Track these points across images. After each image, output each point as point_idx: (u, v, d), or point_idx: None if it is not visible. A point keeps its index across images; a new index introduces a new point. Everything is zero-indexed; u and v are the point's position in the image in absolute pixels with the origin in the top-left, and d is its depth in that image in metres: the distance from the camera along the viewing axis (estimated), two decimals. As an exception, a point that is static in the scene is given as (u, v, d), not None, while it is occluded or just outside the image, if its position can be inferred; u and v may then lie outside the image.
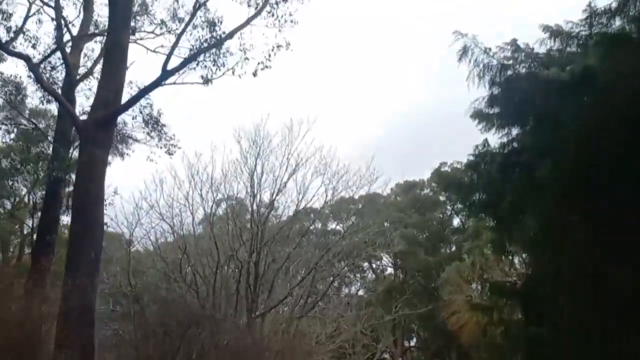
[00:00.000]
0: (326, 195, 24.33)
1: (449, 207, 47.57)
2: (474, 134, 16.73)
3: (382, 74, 79.74)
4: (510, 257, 16.76)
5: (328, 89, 70.65)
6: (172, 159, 22.11)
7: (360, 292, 52.64)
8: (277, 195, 22.88)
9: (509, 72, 12.78)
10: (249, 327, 20.96)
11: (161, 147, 15.22)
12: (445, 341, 44.33)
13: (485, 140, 15.69)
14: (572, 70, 11.85)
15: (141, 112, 12.99)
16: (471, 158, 15.92)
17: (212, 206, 22.87)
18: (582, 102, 10.72)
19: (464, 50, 12.44)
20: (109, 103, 9.40)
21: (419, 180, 46.21)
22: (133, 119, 13.15)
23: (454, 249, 45.07)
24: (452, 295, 31.04)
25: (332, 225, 41.96)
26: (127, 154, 32.34)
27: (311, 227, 35.46)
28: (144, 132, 14.20)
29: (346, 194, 25.69)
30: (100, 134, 9.10)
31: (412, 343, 67.65)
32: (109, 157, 36.77)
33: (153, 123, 13.38)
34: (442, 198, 45.97)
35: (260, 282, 23.41)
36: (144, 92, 10.22)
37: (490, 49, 12.71)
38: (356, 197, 29.15)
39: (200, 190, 22.75)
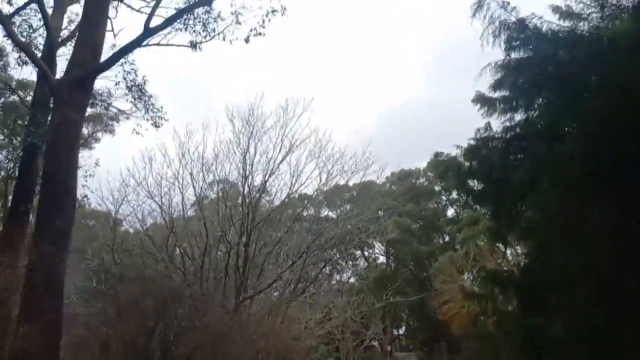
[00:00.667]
0: (320, 179, 23.72)
1: (444, 197, 47.14)
2: (473, 123, 16.11)
3: (381, 64, 79.00)
4: (504, 248, 16.18)
5: (326, 77, 69.72)
6: (163, 137, 21.53)
7: (352, 280, 52.37)
8: (269, 177, 22.20)
9: (529, 32, 11.44)
10: (237, 309, 20.44)
11: (148, 120, 14.48)
12: (435, 331, 44.13)
13: (488, 123, 15.10)
14: (614, 30, 10.79)
15: (124, 78, 12.22)
16: (472, 142, 15.33)
17: (202, 186, 22.15)
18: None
19: (479, 4, 11.37)
20: (86, 62, 8.67)
21: (415, 169, 45.70)
22: (116, 85, 12.37)
23: (447, 239, 44.69)
24: (444, 285, 30.63)
25: (325, 212, 41.38)
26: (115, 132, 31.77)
27: (304, 214, 34.97)
28: (129, 101, 13.45)
29: (341, 179, 25.07)
30: (75, 95, 8.38)
31: (401, 331, 67.77)
32: (99, 134, 35.82)
33: (137, 90, 12.61)
34: (437, 188, 45.51)
35: (249, 265, 22.86)
36: (125, 50, 9.47)
37: (508, 3, 11.44)
38: (351, 183, 28.57)
39: (191, 170, 22.06)
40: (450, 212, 46.96)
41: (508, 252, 27.94)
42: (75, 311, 16.34)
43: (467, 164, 15.19)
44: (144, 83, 12.54)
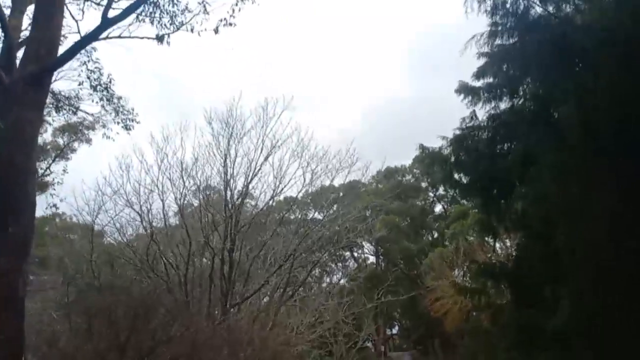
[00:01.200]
0: (304, 179, 23.11)
1: (430, 194, 46.83)
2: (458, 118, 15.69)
3: (362, 62, 78.74)
4: (494, 240, 15.76)
5: (307, 76, 69.15)
6: (139, 142, 20.72)
7: (342, 282, 51.81)
8: (252, 179, 21.54)
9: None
10: (224, 317, 19.75)
11: (118, 123, 13.79)
12: (428, 329, 43.71)
13: (473, 112, 14.71)
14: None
15: (89, 78, 11.52)
16: (457, 133, 14.92)
17: (182, 192, 21.40)
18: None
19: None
20: (41, 57, 8.02)
21: (401, 166, 45.34)
22: (79, 85, 11.68)
23: (436, 235, 44.35)
24: (435, 282, 30.22)
25: (312, 214, 40.72)
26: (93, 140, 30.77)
27: (291, 217, 34.31)
28: (97, 103, 12.73)
29: (326, 178, 24.49)
30: (30, 93, 7.73)
31: (394, 331, 67.35)
32: (75, 144, 34.74)
33: (103, 90, 11.92)
34: (424, 184, 45.18)
35: (235, 272, 22.20)
36: (82, 43, 8.81)
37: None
38: (336, 182, 27.95)
39: (170, 175, 21.31)
40: (438, 208, 46.77)
41: (497, 245, 27.66)
42: (55, 328, 15.58)
43: (453, 155, 14.73)
44: (110, 82, 11.86)
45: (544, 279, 11.33)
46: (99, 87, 11.68)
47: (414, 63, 76.14)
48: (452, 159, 14.51)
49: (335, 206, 39.11)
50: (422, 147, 14.62)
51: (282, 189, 22.07)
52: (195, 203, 23.61)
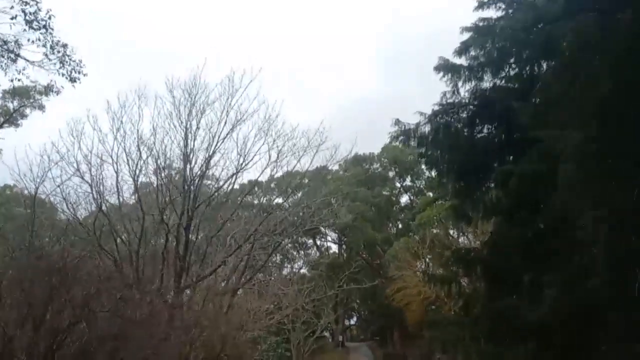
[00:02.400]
0: (269, 157, 21.78)
1: (397, 184, 46.31)
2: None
3: (333, 60, 77.40)
4: (460, 230, 14.98)
5: (277, 73, 67.06)
6: (94, 110, 18.96)
7: (304, 270, 50.97)
8: (214, 152, 20.07)
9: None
10: (176, 298, 18.39)
11: (64, 75, 12.17)
12: (388, 320, 43.35)
13: (455, 86, 13.78)
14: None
15: (23, 12, 9.92)
16: (436, 108, 13.99)
17: (137, 163, 19.71)
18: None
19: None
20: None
21: (369, 154, 44.50)
22: (12, 19, 10.02)
23: (401, 226, 43.90)
24: (399, 271, 29.60)
25: (276, 200, 39.46)
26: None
27: (254, 201, 32.96)
28: (40, 52, 11.13)
29: (292, 158, 23.18)
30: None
31: (353, 322, 67.17)
32: (27, 110, 32.31)
33: (41, 28, 10.33)
34: (391, 173, 44.55)
35: (191, 251, 20.83)
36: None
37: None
38: (303, 163, 26.66)
39: (125, 145, 19.60)
40: (405, 199, 46.29)
41: (465, 236, 27.15)
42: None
43: (430, 133, 13.79)
44: (49, 19, 10.27)
45: (523, 267, 10.53)
46: (35, 23, 10.10)
47: (385, 63, 75.64)
48: (430, 137, 13.55)
49: (300, 192, 38.09)
50: (398, 123, 13.58)
51: (246, 165, 20.64)
52: (152, 177, 21.99)
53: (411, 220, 36.72)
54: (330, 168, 47.11)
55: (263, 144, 21.12)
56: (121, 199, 20.76)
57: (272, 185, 40.01)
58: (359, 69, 77.04)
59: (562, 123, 10.63)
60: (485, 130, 14.52)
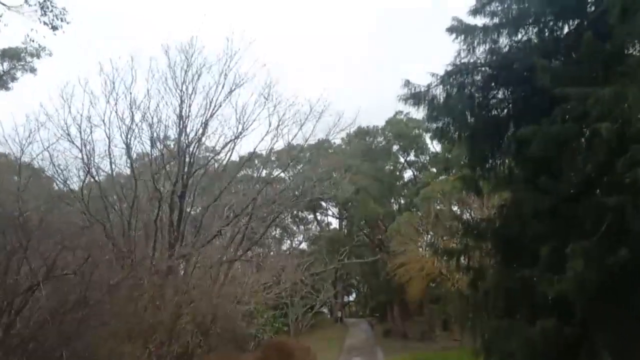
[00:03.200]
0: (270, 124, 20.79)
1: (401, 159, 45.29)
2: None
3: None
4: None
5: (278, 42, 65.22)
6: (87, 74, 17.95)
7: (303, 245, 50.38)
8: (210, 116, 19.08)
9: None
10: (169, 268, 17.61)
11: (45, 23, 11.13)
12: (388, 296, 42.83)
13: (470, 45, 12.60)
14: None
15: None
16: (450, 68, 12.85)
17: (130, 127, 18.70)
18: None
19: None
20: None
21: (373, 127, 43.37)
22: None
23: (403, 202, 43.03)
24: (402, 247, 28.79)
25: (277, 172, 38.51)
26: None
27: (254, 174, 31.99)
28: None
29: (294, 126, 22.14)
30: None
31: (351, 298, 66.93)
32: (19, 73, 31.13)
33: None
34: (395, 147, 43.48)
35: (185, 220, 20.01)
36: None
37: None
38: (305, 130, 25.51)
39: (117, 108, 18.56)
40: (408, 174, 45.27)
41: (465, 215, 26.25)
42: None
43: (442, 94, 12.69)
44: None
45: (543, 237, 9.60)
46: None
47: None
48: (441, 99, 12.46)
49: (301, 165, 37.01)
50: (408, 84, 12.46)
51: (245, 131, 19.65)
52: (145, 143, 20.88)
53: (415, 196, 35.80)
54: (332, 141, 46.21)
55: (263, 109, 20.17)
56: (113, 166, 19.88)
57: (273, 158, 39.12)
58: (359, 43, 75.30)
59: (591, 79, 9.61)
60: (500, 95, 13.42)
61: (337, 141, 46.58)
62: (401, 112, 44.40)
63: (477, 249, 12.55)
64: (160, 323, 12.09)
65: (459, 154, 20.64)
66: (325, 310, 52.90)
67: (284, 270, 26.56)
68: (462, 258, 12.74)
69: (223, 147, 19.28)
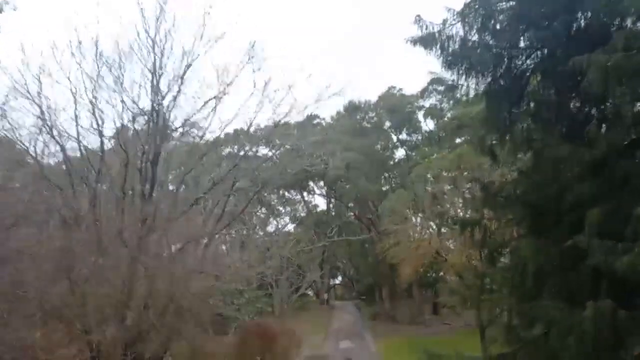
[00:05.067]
0: (254, 85, 18.51)
1: (393, 137, 43.38)
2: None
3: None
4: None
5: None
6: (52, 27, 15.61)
7: (290, 227, 48.45)
8: (186, 70, 16.85)
9: None
10: (139, 243, 15.52)
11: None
12: (377, 279, 41.27)
13: (497, -29, 10.59)
14: None
15: None
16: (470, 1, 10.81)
17: (96, 81, 16.39)
18: None
19: None
20: None
21: (364, 101, 41.23)
22: None
23: (394, 183, 41.18)
24: (395, 225, 26.96)
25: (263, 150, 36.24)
26: None
27: (241, 153, 29.78)
28: None
29: (280, 91, 19.93)
30: None
31: (337, 281, 65.44)
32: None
33: None
34: (387, 124, 41.49)
35: (156, 188, 17.92)
36: None
37: None
38: (293, 92, 23.23)
39: (81, 58, 16.24)
40: (400, 154, 43.28)
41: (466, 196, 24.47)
42: None
43: (460, 35, 10.66)
44: None
45: (589, 201, 7.73)
46: None
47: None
48: (458, 41, 10.43)
49: (288, 145, 34.67)
50: (419, 21, 10.39)
51: (227, 87, 17.34)
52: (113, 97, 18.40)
53: (407, 174, 33.95)
54: (322, 118, 44.08)
55: (245, 65, 17.89)
56: (79, 128, 17.50)
57: (258, 133, 36.84)
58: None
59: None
60: (526, 41, 11.42)
61: (327, 119, 44.56)
62: (394, 87, 42.42)
63: (497, 220, 10.69)
64: (106, 303, 10.14)
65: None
66: (310, 292, 51.37)
67: (269, 249, 24.72)
68: (476, 229, 10.84)
69: (203, 106, 16.95)
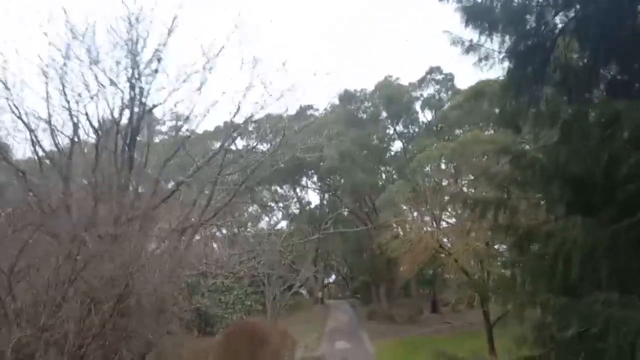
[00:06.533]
0: (242, 61, 16.75)
1: (390, 129, 41.83)
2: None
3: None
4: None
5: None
6: None
7: (283, 224, 46.85)
8: (168, 36, 15.12)
9: None
10: (115, 233, 13.75)
11: None
12: (373, 276, 39.66)
13: None
14: None
15: None
16: None
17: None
18: None
19: None
20: None
21: (360, 90, 39.59)
22: None
23: (392, 173, 39.64)
24: (395, 217, 25.38)
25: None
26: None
27: (232, 147, 28.00)
28: None
29: (270, 67, 18.23)
30: None
31: (331, 280, 63.88)
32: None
33: None
34: (384, 114, 39.91)
35: (138, 175, 16.19)
36: None
37: None
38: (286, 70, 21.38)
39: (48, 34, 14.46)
40: (397, 146, 41.73)
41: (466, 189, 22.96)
42: None
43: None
44: None
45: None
46: None
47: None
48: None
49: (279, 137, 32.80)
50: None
51: (214, 58, 15.55)
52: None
53: (405, 166, 32.39)
54: (315, 109, 42.33)
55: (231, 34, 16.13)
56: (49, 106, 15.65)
57: (250, 128, 35.16)
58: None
59: None
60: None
61: (321, 110, 42.80)
62: (391, 76, 40.83)
63: (527, 199, 9.12)
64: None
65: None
66: (304, 291, 49.76)
67: (260, 244, 23.08)
68: (500, 211, 9.25)
69: (185, 79, 15.17)
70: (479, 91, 22.17)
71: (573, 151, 7.97)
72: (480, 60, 11.30)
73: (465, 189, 22.91)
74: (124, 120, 15.43)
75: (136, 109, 15.22)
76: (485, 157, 20.27)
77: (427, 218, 24.73)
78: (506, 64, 10.48)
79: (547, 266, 7.71)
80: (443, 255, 21.98)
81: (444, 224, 25.03)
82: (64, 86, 15.09)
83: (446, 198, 21.06)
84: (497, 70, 11.66)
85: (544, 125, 10.20)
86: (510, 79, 10.33)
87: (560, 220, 7.93)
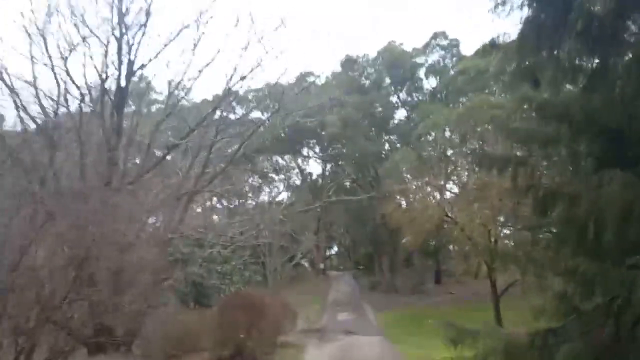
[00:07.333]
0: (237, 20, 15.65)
1: (393, 99, 40.54)
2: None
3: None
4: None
5: None
6: None
7: (284, 195, 46.10)
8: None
9: None
10: (106, 200, 12.96)
11: None
12: (376, 247, 39.04)
13: None
14: None
15: None
16: None
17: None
18: None
19: None
20: None
21: (363, 56, 38.19)
22: None
23: (396, 141, 38.58)
24: (400, 186, 24.50)
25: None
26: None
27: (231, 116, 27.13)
28: None
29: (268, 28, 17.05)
30: None
31: (333, 251, 63.51)
32: None
33: None
34: (387, 81, 38.59)
35: (128, 140, 15.31)
36: None
37: None
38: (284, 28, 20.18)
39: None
40: (401, 114, 40.50)
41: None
42: None
43: None
44: None
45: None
46: None
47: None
48: None
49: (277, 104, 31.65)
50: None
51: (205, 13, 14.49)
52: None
53: (412, 131, 31.33)
54: (317, 76, 41.02)
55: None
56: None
57: (250, 96, 34.03)
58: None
59: None
60: None
61: (321, 76, 41.51)
62: (394, 41, 39.34)
63: (548, 158, 8.21)
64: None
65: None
66: (305, 263, 49.34)
67: (261, 214, 22.39)
68: (522, 170, 8.33)
69: (176, 36, 14.12)
70: (491, 47, 20.93)
71: (607, 99, 7.02)
72: (497, 5, 10.21)
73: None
74: (113, 83, 14.57)
75: (124, 69, 14.25)
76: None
77: (431, 188, 23.82)
78: (525, 10, 9.48)
79: (575, 228, 6.88)
80: (448, 224, 21.21)
81: (448, 194, 24.30)
82: (47, 45, 14.16)
83: (456, 161, 20.03)
84: (515, 17, 10.61)
85: (564, 79, 9.20)
86: (530, 27, 9.28)
87: (590, 177, 7.05)
